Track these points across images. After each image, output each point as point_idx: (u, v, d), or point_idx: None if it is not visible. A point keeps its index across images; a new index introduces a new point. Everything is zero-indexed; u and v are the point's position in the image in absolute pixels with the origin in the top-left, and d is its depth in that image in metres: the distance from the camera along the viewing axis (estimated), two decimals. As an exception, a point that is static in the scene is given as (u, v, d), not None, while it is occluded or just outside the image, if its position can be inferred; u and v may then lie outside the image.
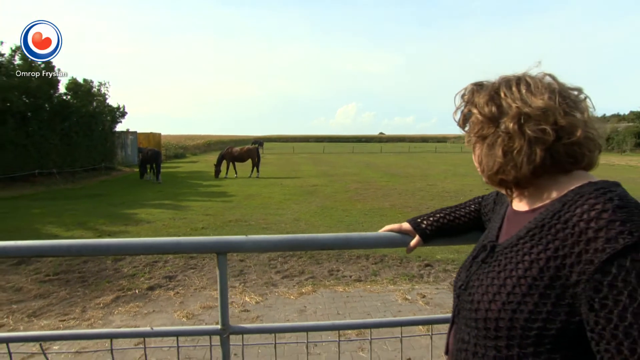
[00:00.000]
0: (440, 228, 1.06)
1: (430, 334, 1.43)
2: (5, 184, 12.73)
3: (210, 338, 1.25)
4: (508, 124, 0.68)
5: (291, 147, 49.33)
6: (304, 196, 11.04)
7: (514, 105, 0.68)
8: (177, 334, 1.26)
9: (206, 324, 3.42)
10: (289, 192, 11.84)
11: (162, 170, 15.72)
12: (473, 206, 1.09)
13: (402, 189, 12.31)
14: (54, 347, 2.94)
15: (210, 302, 3.91)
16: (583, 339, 0.58)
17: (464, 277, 0.79)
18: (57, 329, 3.28)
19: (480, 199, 1.09)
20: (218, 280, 1.15)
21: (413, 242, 1.07)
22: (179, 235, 6.45)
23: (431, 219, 1.07)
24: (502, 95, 0.70)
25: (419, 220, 1.08)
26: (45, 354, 1.14)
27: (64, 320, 3.44)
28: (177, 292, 4.13)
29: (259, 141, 47.18)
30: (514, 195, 0.77)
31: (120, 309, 3.74)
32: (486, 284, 0.69)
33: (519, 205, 0.77)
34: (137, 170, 16.34)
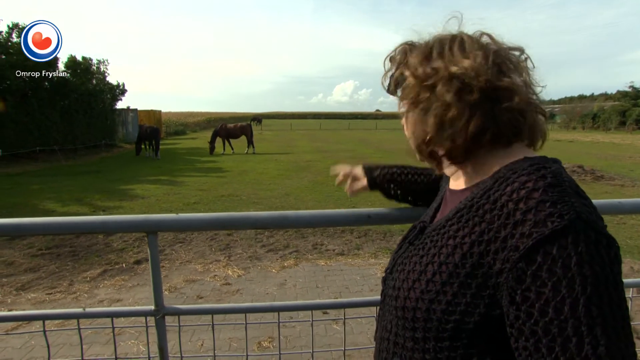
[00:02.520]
0: (392, 181, 1.00)
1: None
2: (9, 161, 12.95)
3: (146, 319, 1.22)
4: (440, 87, 0.60)
5: (289, 124, 48.87)
6: (296, 172, 11.10)
7: (443, 65, 0.60)
8: (110, 315, 1.24)
9: (187, 297, 3.55)
10: (282, 168, 11.90)
11: (161, 146, 15.82)
12: (435, 176, 1.00)
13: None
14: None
15: (193, 275, 4.03)
16: (503, 335, 0.52)
17: (391, 259, 0.73)
18: (43, 302, 3.43)
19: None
20: (149, 260, 1.12)
21: (359, 185, 1.04)
22: (171, 211, 6.57)
23: (387, 170, 1.01)
24: (435, 55, 0.63)
25: (373, 167, 1.04)
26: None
27: (51, 294, 3.58)
28: (163, 266, 4.25)
29: (258, 118, 46.95)
30: (451, 171, 0.70)
31: (106, 282, 3.88)
32: (408, 269, 0.64)
33: (455, 183, 0.70)
34: (137, 147, 16.50)
